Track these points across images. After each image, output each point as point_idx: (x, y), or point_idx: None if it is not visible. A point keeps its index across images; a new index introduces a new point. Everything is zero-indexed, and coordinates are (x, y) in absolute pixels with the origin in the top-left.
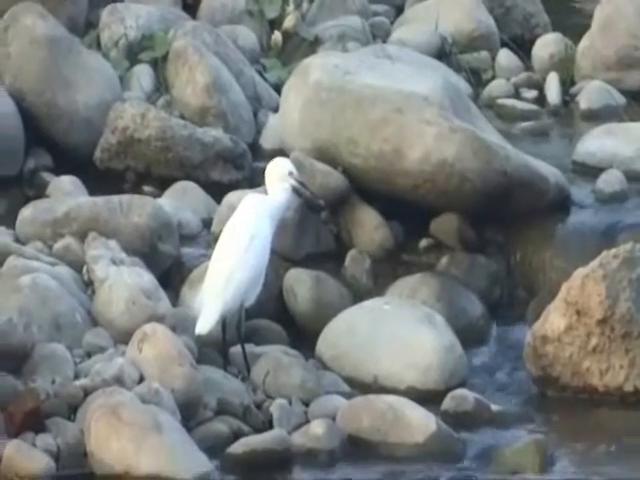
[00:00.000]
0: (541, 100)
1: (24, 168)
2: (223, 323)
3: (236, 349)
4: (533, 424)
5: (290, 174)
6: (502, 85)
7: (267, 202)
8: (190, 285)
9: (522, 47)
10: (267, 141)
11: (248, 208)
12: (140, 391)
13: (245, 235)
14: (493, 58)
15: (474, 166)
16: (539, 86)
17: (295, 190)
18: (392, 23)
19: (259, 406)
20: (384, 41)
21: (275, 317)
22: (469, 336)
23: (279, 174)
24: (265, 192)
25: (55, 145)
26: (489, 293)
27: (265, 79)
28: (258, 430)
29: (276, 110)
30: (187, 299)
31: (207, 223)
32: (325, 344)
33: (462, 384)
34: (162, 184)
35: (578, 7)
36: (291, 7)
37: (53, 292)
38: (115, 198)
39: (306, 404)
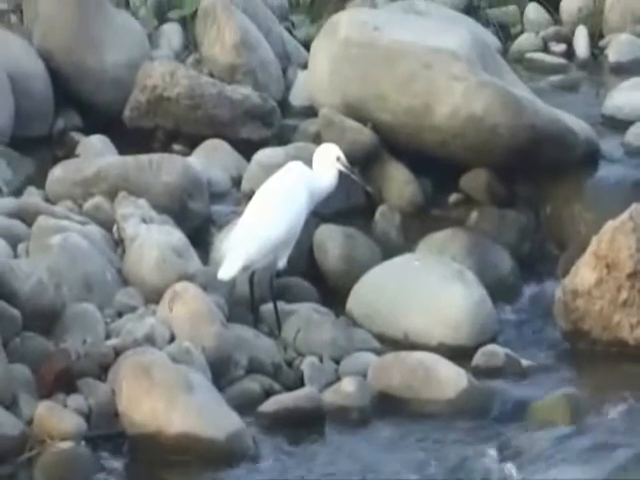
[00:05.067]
0: (570, 54)
1: (53, 128)
2: (251, 280)
3: (266, 307)
4: (564, 379)
5: (338, 159)
6: (531, 39)
7: (311, 176)
8: (220, 243)
9: (550, 1)
10: (296, 98)
11: (290, 173)
12: (171, 350)
13: (281, 195)
14: (521, 12)
15: (503, 120)
16: (568, 40)
17: (342, 174)
18: None
19: (290, 364)
20: None
21: (305, 274)
22: (499, 291)
23: (327, 158)
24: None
25: (84, 105)
26: (519, 248)
27: (294, 36)
28: (289, 388)
29: (305, 67)
30: (216, 256)
31: (236, 181)
32: (355, 301)
33: (493, 339)
34: (191, 142)
35: None
36: None
37: (83, 251)
38: (145, 157)
39: (337, 361)
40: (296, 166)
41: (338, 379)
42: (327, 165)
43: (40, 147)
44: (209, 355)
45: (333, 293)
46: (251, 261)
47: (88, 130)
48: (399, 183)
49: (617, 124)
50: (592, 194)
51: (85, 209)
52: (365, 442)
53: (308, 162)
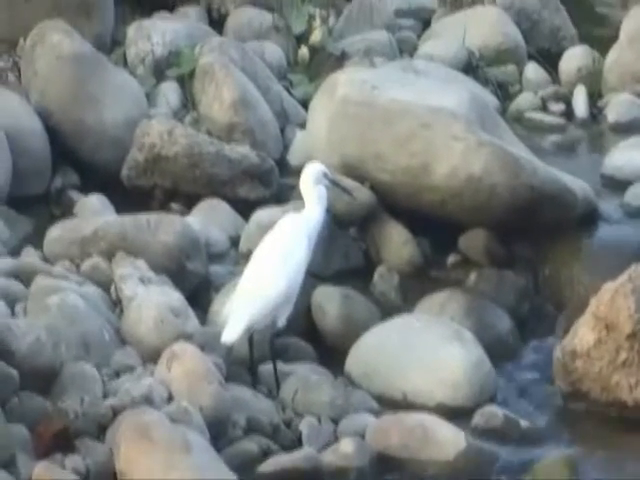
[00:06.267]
0: (569, 113)
1: (51, 187)
2: (250, 340)
3: (264, 367)
4: (563, 440)
5: (325, 175)
6: (529, 98)
7: (303, 221)
8: (218, 303)
9: (549, 60)
10: (294, 157)
11: (284, 227)
12: (169, 410)
13: (279, 254)
14: (520, 71)
15: (502, 180)
16: (566, 99)
17: (333, 184)
18: (419, 37)
19: (288, 424)
20: (411, 55)
21: (304, 334)
22: (498, 352)
23: (314, 177)
24: (295, 209)
25: (82, 163)
26: (518, 308)
27: (292, 95)
28: (287, 448)
29: (303, 126)
30: (215, 317)
31: (235, 241)
32: (354, 361)
33: (491, 400)
34: (189, 201)
35: (605, 20)
36: (318, 22)
37: (81, 311)
38: (143, 217)
39: (335, 422)
40: (289, 219)
41: (336, 439)
42: (315, 184)
43: (38, 206)
44: (207, 415)
45: (331, 353)
46: (254, 323)
47: (86, 189)
48: (397, 243)
49: (616, 184)
50: (591, 255)
51: (83, 269)
52: None
53: None
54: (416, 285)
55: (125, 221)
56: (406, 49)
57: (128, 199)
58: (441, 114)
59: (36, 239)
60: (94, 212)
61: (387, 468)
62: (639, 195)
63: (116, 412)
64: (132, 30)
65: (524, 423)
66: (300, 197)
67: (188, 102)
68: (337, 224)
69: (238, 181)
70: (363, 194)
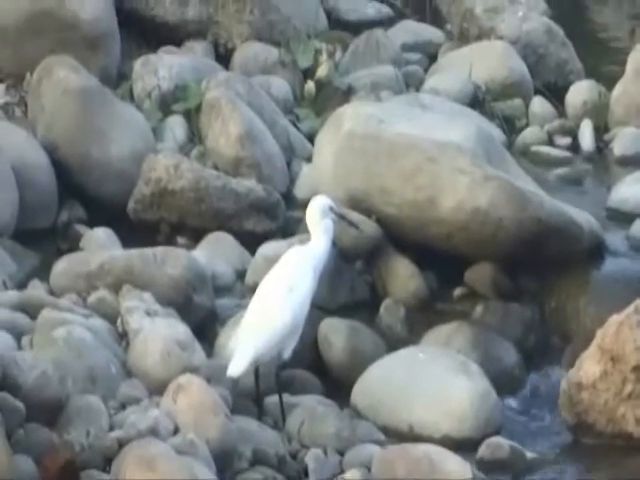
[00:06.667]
0: (575, 147)
1: (57, 220)
2: (256, 372)
3: (270, 399)
4: (568, 472)
5: (331, 209)
6: (536, 132)
7: (309, 253)
8: (224, 336)
9: (555, 94)
10: (301, 191)
11: (289, 260)
12: (175, 442)
13: (284, 286)
14: (527, 105)
15: (508, 214)
16: (573, 133)
17: (340, 218)
18: (425, 71)
19: (294, 456)
20: (417, 90)
21: (310, 367)
22: (504, 384)
23: (320, 211)
24: (301, 242)
25: (88, 197)
26: (524, 341)
27: (298, 129)
28: None
29: (309, 160)
30: (221, 350)
31: (241, 274)
32: (360, 393)
33: (497, 432)
34: (196, 235)
35: (612, 54)
36: (324, 57)
37: (88, 344)
38: (149, 250)
39: (341, 453)
40: (294, 251)
41: (342, 471)
42: (321, 218)
43: (44, 240)
44: (213, 447)
45: (337, 385)
46: (259, 356)
47: (92, 222)
48: (403, 277)
49: (622, 217)
50: (597, 287)
51: (89, 302)
52: None
53: None
54: (422, 318)
55: (132, 255)
56: (412, 83)
57: (134, 233)
58: (447, 148)
59: (42, 273)
60: (100, 245)
61: None
62: None
63: (122, 444)
64: (139, 64)
65: (530, 454)
66: (306, 230)
67: (194, 136)
68: (343, 257)
69: (244, 215)
70: (369, 227)
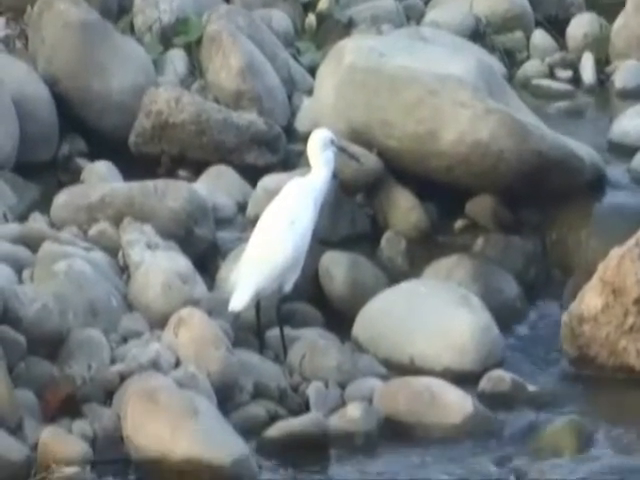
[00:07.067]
0: (576, 80)
1: (58, 153)
2: (257, 305)
3: (272, 332)
4: (570, 404)
5: (332, 142)
6: (537, 65)
7: (310, 185)
8: (226, 268)
9: (556, 27)
10: (301, 124)
11: (290, 192)
12: (176, 375)
13: (285, 219)
14: (527, 38)
15: (509, 146)
16: (574, 66)
17: (340, 151)
18: (426, 5)
19: (295, 389)
20: (418, 23)
21: (311, 300)
22: (505, 317)
23: (321, 143)
24: (303, 174)
25: (89, 130)
26: (525, 273)
27: (299, 62)
28: (295, 413)
29: (310, 93)
30: (223, 283)
31: (242, 207)
32: (361, 326)
33: (499, 365)
34: (197, 168)
35: None
36: None
37: (88, 277)
38: (150, 183)
39: (342, 386)
40: (295, 183)
41: (344, 404)
42: (322, 150)
43: (45, 172)
44: (214, 380)
45: (339, 318)
46: (261, 290)
47: (93, 156)
48: (404, 209)
49: (624, 150)
50: (598, 220)
51: (90, 235)
52: (371, 467)
53: None
54: (423, 250)
55: (132, 187)
56: (413, 16)
57: (135, 166)
58: (448, 81)
59: (43, 205)
60: (101, 178)
61: (394, 432)
62: None
63: (123, 378)
64: None
65: (531, 387)
66: (307, 163)
67: (195, 70)
68: (344, 190)
69: (245, 148)
70: (370, 160)
